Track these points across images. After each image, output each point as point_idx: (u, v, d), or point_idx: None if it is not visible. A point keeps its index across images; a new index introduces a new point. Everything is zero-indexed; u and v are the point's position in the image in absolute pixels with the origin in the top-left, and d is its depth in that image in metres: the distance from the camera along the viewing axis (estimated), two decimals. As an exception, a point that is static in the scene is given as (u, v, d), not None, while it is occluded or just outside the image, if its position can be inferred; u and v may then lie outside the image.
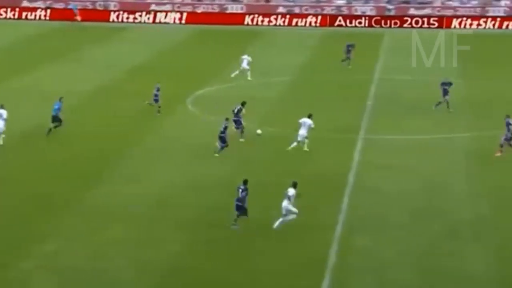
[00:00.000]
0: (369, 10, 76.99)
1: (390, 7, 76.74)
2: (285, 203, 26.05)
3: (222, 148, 34.26)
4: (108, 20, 76.32)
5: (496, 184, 30.55)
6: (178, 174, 32.30)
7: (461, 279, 22.92)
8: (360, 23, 74.59)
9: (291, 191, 26.12)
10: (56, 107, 37.23)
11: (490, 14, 74.43)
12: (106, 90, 48.10)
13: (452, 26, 72.81)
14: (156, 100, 41.44)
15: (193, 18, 76.25)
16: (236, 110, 37.07)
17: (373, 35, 69.70)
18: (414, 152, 35.02)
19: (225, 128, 34.37)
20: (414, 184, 30.74)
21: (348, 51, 53.90)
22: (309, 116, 35.11)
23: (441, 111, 41.94)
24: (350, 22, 74.66)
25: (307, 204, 28.75)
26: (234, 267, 23.87)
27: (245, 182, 26.45)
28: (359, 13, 76.69)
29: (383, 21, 74.44)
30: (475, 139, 37.01)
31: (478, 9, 75.29)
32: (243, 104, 37.57)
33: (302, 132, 34.74)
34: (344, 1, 79.17)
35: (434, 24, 73.36)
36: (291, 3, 79.24)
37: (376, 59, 57.87)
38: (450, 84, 41.69)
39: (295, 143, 34.64)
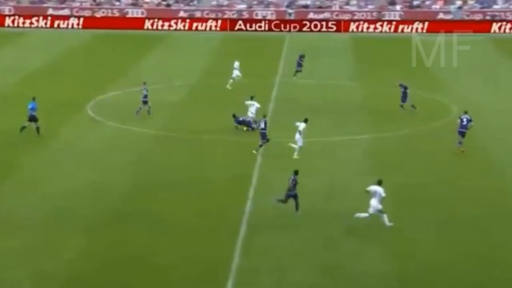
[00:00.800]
0: (269, 14, 77.82)
1: (290, 11, 77.82)
2: (374, 202, 26.60)
3: (261, 145, 34.97)
4: (3, 25, 74.31)
5: (393, 183, 31.30)
6: (76, 180, 31.73)
7: (359, 277, 23.42)
8: (260, 27, 75.31)
9: (379, 189, 26.64)
10: (31, 106, 37.51)
11: (386, 18, 76.58)
12: (4, 96, 46.80)
13: (350, 30, 74.54)
14: (145, 102, 41.36)
15: (92, 22, 75.09)
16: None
17: (275, 38, 70.52)
18: (316, 154, 35.54)
19: (265, 124, 35.20)
20: (315, 185, 31.22)
21: (300, 62, 52.17)
22: (305, 121, 35.12)
23: (340, 114, 42.78)
24: (251, 26, 75.27)
25: (212, 207, 28.83)
26: (133, 273, 23.62)
27: (296, 173, 27.84)
28: (259, 17, 77.43)
29: (282, 25, 75.39)
30: (374, 140, 37.89)
31: (374, 13, 77.31)
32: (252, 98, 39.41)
33: (297, 136, 34.76)
34: (244, 6, 79.76)
35: (332, 28, 74.87)
36: (193, 8, 79.22)
37: (277, 63, 58.54)
38: (406, 87, 42.33)
39: (296, 148, 34.55)
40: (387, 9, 78.35)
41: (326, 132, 39.12)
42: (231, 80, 49.34)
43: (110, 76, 52.51)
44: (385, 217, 26.73)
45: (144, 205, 29.24)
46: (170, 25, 75.33)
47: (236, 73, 49.63)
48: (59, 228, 26.92)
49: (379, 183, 26.89)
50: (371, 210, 26.69)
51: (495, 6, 78.43)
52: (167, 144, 37.22)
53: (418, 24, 74.36)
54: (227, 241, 25.72)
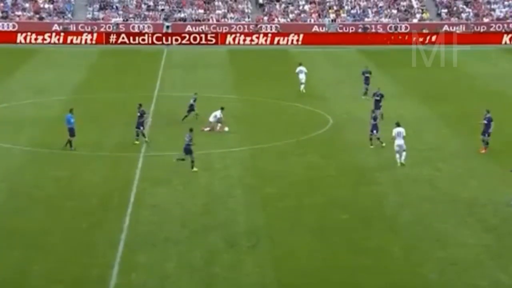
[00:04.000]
0: (146, 27, 77.30)
1: (168, 24, 77.52)
2: None
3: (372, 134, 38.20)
4: None
5: (269, 194, 31.60)
6: None
7: (240, 289, 23.45)
8: (143, 40, 74.92)
9: None
10: (72, 120, 37.05)
11: (263, 31, 77.62)
12: None
13: (227, 42, 75.09)
14: (191, 110, 43.20)
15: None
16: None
17: (153, 52, 70.07)
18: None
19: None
20: (193, 199, 31.05)
21: (367, 77, 49.84)
22: (398, 124, 35.14)
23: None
24: (134, 39, 74.76)
25: (88, 224, 28.11)
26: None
27: None
28: (136, 30, 76.80)
29: (164, 38, 75.14)
30: (252, 152, 38.09)
31: (251, 26, 78.17)
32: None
33: (399, 142, 34.57)
34: (121, 19, 78.85)
35: (211, 40, 75.18)
36: (67, 21, 77.59)
37: (156, 76, 58.14)
38: (381, 95, 43.32)
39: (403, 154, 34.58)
40: (264, 22, 79.42)
41: (207, 146, 39.00)
42: (302, 85, 49.88)
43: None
44: None
45: (16, 223, 28.16)
46: (43, 39, 73.62)
47: (302, 76, 49.94)
48: None
49: None
50: None
51: (366, 19, 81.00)
52: (40, 160, 36.11)
53: (293, 36, 75.78)
54: (104, 259, 25.09)
